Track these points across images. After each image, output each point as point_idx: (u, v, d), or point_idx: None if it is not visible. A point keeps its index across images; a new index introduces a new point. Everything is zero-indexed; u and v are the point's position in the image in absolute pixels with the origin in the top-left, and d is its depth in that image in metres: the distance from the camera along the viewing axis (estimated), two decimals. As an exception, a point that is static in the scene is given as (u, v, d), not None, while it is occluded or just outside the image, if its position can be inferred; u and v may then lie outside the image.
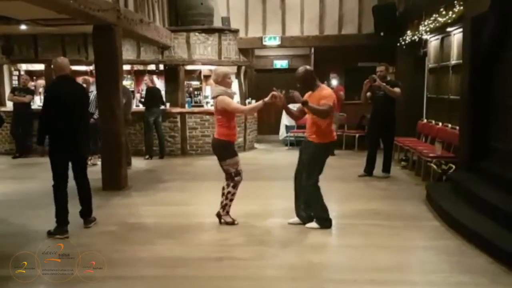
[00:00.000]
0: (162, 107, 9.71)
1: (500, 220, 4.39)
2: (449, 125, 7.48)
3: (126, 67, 10.24)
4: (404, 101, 8.26)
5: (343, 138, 10.28)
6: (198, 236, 4.83)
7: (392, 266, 3.98)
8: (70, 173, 4.87)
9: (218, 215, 5.06)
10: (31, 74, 11.27)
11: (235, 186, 4.95)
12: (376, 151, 7.57)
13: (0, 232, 4.97)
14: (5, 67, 11.23)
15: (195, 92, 11.11)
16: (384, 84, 7.12)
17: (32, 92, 10.15)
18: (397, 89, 7.13)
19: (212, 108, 5.98)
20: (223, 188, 5.01)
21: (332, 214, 4.98)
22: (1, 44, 10.82)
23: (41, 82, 11.39)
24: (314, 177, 4.82)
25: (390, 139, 7.60)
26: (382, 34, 9.79)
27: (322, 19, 10.90)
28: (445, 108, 7.98)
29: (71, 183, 4.89)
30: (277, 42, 10.99)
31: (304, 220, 4.98)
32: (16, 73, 11.42)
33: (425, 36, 8.79)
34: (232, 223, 5.03)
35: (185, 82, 10.55)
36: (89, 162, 6.15)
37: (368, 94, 7.38)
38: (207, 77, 11.04)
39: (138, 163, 8.81)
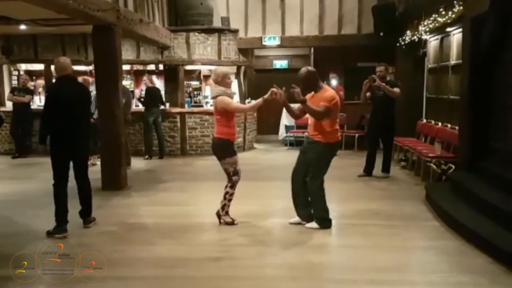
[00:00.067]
0: (162, 107, 9.72)
1: (500, 220, 4.39)
2: (449, 125, 7.48)
3: (126, 67, 10.24)
4: (403, 101, 8.26)
5: (342, 138, 10.23)
6: (198, 236, 4.83)
7: (392, 266, 3.98)
8: (71, 173, 4.86)
9: (218, 215, 5.06)
10: (30, 74, 11.26)
11: (232, 186, 4.95)
12: (375, 151, 7.58)
13: (0, 232, 4.97)
14: (5, 67, 11.24)
15: (195, 92, 11.10)
16: (384, 84, 7.12)
17: (32, 92, 10.15)
18: (396, 89, 7.13)
19: (211, 108, 5.98)
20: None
21: (332, 214, 4.98)
22: (0, 44, 10.83)
23: (41, 82, 11.41)
24: (320, 178, 4.82)
25: (390, 139, 7.60)
26: (381, 34, 9.79)
27: (322, 19, 10.90)
28: (445, 108, 7.98)
29: (71, 182, 4.89)
30: (276, 42, 10.99)
31: (305, 218, 4.98)
32: (16, 73, 11.41)
33: (424, 36, 8.80)
34: (232, 223, 5.03)
35: (185, 82, 10.55)
36: (88, 162, 6.14)
37: (368, 94, 7.37)
38: (206, 77, 11.04)
39: (137, 163, 8.81)
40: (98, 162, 7.17)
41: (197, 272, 3.87)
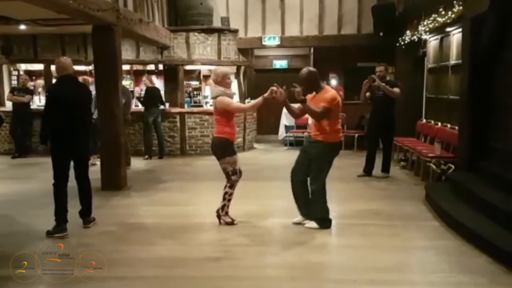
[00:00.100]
0: (162, 107, 9.72)
1: (500, 220, 4.39)
2: (449, 125, 7.48)
3: (126, 67, 10.23)
4: (403, 101, 8.26)
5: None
6: (198, 236, 4.83)
7: (392, 266, 3.98)
8: (71, 173, 4.87)
9: (218, 215, 5.06)
10: (30, 74, 11.25)
11: (231, 186, 4.95)
12: (375, 151, 7.58)
13: (0, 232, 4.97)
14: (5, 67, 11.24)
15: (195, 92, 11.10)
16: (384, 84, 7.13)
17: (32, 92, 10.15)
18: (396, 89, 7.13)
19: (211, 108, 5.98)
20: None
21: (331, 214, 4.98)
22: (0, 44, 10.82)
23: (40, 82, 11.40)
24: (321, 178, 4.82)
25: (390, 139, 7.61)
26: (381, 34, 9.79)
27: (322, 19, 10.90)
28: (444, 108, 7.99)
29: (72, 182, 4.89)
30: (276, 42, 10.99)
31: (307, 216, 4.98)
32: (16, 73, 11.41)
33: (424, 36, 8.80)
34: (232, 223, 5.03)
35: (185, 82, 10.55)
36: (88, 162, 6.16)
37: (368, 94, 7.38)
38: (206, 77, 11.04)
39: (137, 163, 8.80)
40: (98, 162, 7.17)
41: (197, 272, 3.87)
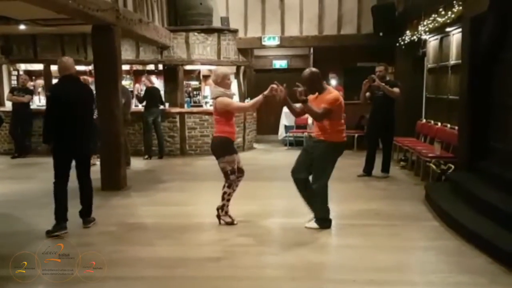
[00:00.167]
0: (161, 107, 9.72)
1: (500, 220, 4.39)
2: (448, 125, 7.48)
3: (125, 67, 10.23)
4: (403, 101, 8.26)
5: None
6: (198, 236, 4.83)
7: (392, 266, 3.98)
8: (72, 173, 4.87)
9: (218, 215, 5.06)
10: (30, 74, 11.25)
11: (230, 186, 4.95)
12: (375, 151, 7.58)
13: (0, 232, 4.97)
14: (4, 67, 11.24)
15: (194, 92, 11.09)
16: (383, 84, 7.13)
17: (31, 92, 10.15)
18: (396, 89, 7.14)
19: (211, 108, 5.98)
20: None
21: (331, 214, 4.98)
22: (0, 44, 10.81)
23: (40, 82, 11.40)
24: (324, 178, 4.80)
25: (389, 139, 7.61)
26: (381, 34, 9.78)
27: (321, 19, 10.89)
28: (444, 108, 7.99)
29: (73, 183, 4.89)
30: (276, 42, 10.98)
31: None
32: (15, 73, 11.42)
33: (424, 36, 8.80)
34: (232, 223, 5.03)
35: (184, 82, 10.55)
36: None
37: (367, 94, 7.38)
38: (206, 77, 11.04)
39: (137, 163, 8.80)
40: (98, 162, 7.17)
41: (196, 272, 3.87)
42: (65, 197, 4.75)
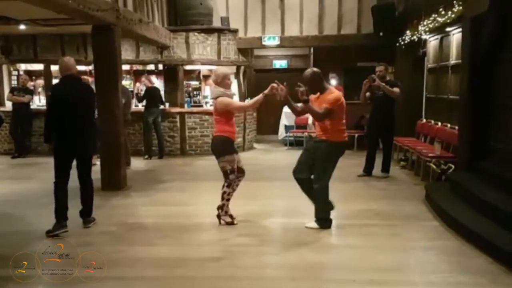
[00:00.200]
0: (162, 107, 9.72)
1: (500, 220, 4.39)
2: (448, 125, 7.48)
3: (125, 67, 10.23)
4: (403, 101, 8.26)
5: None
6: (198, 236, 4.83)
7: (392, 266, 3.98)
8: (73, 172, 4.88)
9: (218, 215, 5.06)
10: (30, 74, 11.24)
11: (229, 185, 4.95)
12: (375, 151, 7.58)
13: (0, 232, 4.97)
14: (4, 67, 11.23)
15: (194, 92, 11.09)
16: (383, 84, 7.13)
17: (31, 92, 10.15)
18: (396, 89, 7.14)
19: (211, 108, 5.98)
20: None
21: (332, 214, 4.97)
22: (0, 44, 10.81)
23: (40, 82, 11.40)
24: (325, 178, 4.80)
25: (390, 139, 7.61)
26: (381, 34, 9.78)
27: (321, 19, 10.89)
28: (444, 108, 7.99)
29: (73, 183, 4.90)
30: (276, 42, 10.98)
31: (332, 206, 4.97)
32: (15, 73, 11.41)
33: (424, 36, 8.80)
34: (232, 223, 5.03)
35: (184, 82, 10.55)
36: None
37: (367, 94, 7.38)
38: (206, 77, 11.04)
39: (137, 163, 8.80)
40: (98, 162, 7.17)
41: (196, 272, 3.87)
42: (66, 196, 4.76)
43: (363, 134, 9.86)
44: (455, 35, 7.53)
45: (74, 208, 4.92)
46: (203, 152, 9.69)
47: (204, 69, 10.94)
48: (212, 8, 10.61)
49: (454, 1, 6.68)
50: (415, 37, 8.76)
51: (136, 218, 5.43)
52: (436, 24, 7.55)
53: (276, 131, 11.91)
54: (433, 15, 7.54)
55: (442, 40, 8.26)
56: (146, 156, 9.45)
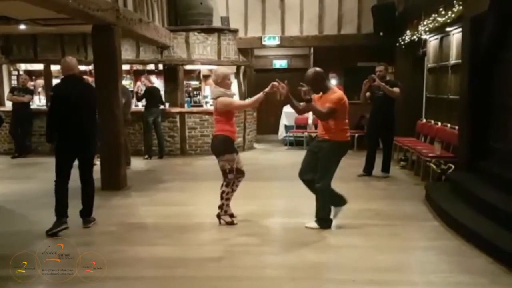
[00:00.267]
0: (162, 107, 9.72)
1: (500, 220, 4.39)
2: (448, 125, 7.48)
3: (125, 67, 10.24)
4: (403, 101, 8.26)
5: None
6: (198, 236, 4.83)
7: (392, 266, 3.98)
8: (73, 172, 4.88)
9: (218, 215, 5.06)
10: (30, 74, 11.25)
11: (228, 185, 4.95)
12: (375, 151, 7.58)
13: (0, 232, 4.97)
14: (4, 67, 11.24)
15: (194, 92, 11.10)
16: (384, 84, 7.13)
17: (31, 92, 10.15)
18: (396, 89, 7.14)
19: (211, 108, 5.98)
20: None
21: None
22: (0, 44, 10.81)
23: (40, 82, 11.41)
24: (328, 178, 4.79)
25: (390, 139, 7.61)
26: (381, 34, 9.78)
27: (322, 19, 10.89)
28: (444, 108, 7.99)
29: (73, 182, 4.90)
30: (276, 42, 10.98)
31: (336, 204, 4.98)
32: (15, 73, 11.41)
33: (424, 36, 8.80)
34: (231, 223, 5.03)
35: (184, 82, 10.55)
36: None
37: (368, 94, 7.37)
38: (206, 77, 11.05)
39: (137, 163, 8.80)
40: (98, 162, 7.17)
41: (196, 272, 3.87)
42: (66, 195, 4.77)
43: (363, 134, 9.85)
44: (455, 35, 7.53)
45: (74, 208, 4.92)
46: (203, 152, 9.69)
47: (204, 69, 10.94)
48: (212, 8, 10.61)
49: (454, 1, 6.68)
50: (415, 37, 8.76)
51: (136, 218, 5.43)
52: (436, 24, 7.55)
53: (276, 131, 11.91)
54: (433, 15, 7.53)
55: (442, 40, 8.26)
56: (146, 156, 9.45)
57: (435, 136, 7.75)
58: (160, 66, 10.67)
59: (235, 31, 10.75)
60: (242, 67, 11.17)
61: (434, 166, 6.64)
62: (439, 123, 7.97)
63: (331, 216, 4.98)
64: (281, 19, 10.97)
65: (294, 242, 4.56)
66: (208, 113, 9.53)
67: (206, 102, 10.71)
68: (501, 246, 3.97)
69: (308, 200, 5.04)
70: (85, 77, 8.78)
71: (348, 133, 4.89)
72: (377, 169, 7.56)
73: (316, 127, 9.46)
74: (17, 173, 8.41)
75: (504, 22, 5.34)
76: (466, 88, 6.14)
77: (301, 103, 4.85)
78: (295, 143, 10.96)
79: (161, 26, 9.34)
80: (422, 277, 3.80)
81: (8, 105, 10.31)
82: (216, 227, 5.01)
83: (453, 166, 6.42)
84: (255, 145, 11.34)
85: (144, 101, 9.52)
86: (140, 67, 10.89)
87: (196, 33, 10.26)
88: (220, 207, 5.01)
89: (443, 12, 7.15)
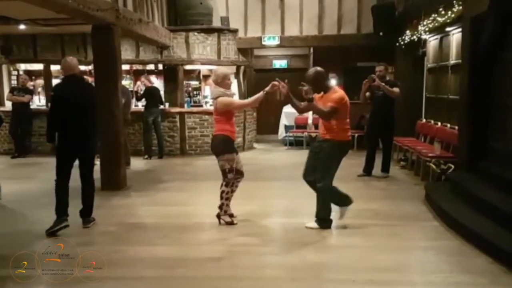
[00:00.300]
0: (161, 107, 9.72)
1: (500, 220, 4.39)
2: (448, 125, 7.48)
3: (125, 67, 10.24)
4: (403, 101, 8.25)
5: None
6: (197, 236, 4.83)
7: (392, 266, 3.98)
8: (74, 172, 4.88)
9: (218, 215, 5.06)
10: (30, 74, 11.26)
11: (227, 185, 4.95)
12: (375, 151, 7.58)
13: (0, 232, 4.97)
14: (4, 67, 11.25)
15: (194, 92, 11.10)
16: (383, 84, 7.13)
17: (31, 92, 10.15)
18: (396, 89, 7.14)
19: (211, 108, 5.98)
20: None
21: (332, 214, 4.97)
22: (0, 44, 10.81)
23: (40, 82, 11.41)
24: (328, 178, 4.79)
25: (389, 139, 7.61)
26: (381, 34, 9.78)
27: (321, 19, 10.89)
28: (444, 108, 7.99)
29: (74, 182, 4.90)
30: (276, 42, 10.98)
31: (342, 204, 4.99)
32: (15, 73, 11.42)
33: (424, 36, 8.80)
34: (231, 223, 5.02)
35: (184, 82, 10.55)
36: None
37: (367, 94, 7.37)
38: (206, 77, 11.05)
39: (137, 163, 8.80)
40: (98, 162, 7.16)
41: (196, 272, 3.87)
42: (66, 194, 4.77)
43: (363, 134, 9.85)
44: (455, 35, 7.53)
45: (75, 207, 4.92)
46: (203, 152, 9.69)
47: (204, 69, 10.95)
48: (212, 8, 10.61)
49: (454, 1, 6.68)
50: (415, 37, 8.76)
51: (136, 218, 5.43)
52: (436, 24, 7.55)
53: (276, 131, 11.91)
54: (433, 15, 7.54)
55: (442, 40, 8.26)
56: (146, 156, 9.45)
57: (435, 136, 7.75)
58: (160, 66, 10.68)
59: (235, 31, 10.75)
60: (242, 67, 11.17)
61: (434, 166, 6.64)
62: (439, 123, 7.97)
63: (338, 217, 4.99)
64: (281, 19, 10.97)
65: (294, 242, 4.56)
66: (208, 113, 9.53)
67: (206, 102, 10.71)
68: (501, 246, 3.97)
69: (308, 200, 5.05)
70: (85, 77, 8.84)
71: (349, 133, 4.90)
72: (377, 169, 7.56)
73: (316, 127, 9.49)
74: (17, 173, 8.41)
75: (504, 22, 5.34)
76: (466, 88, 6.14)
77: (302, 102, 4.85)
78: (295, 143, 10.96)
79: (160, 26, 9.35)
80: (422, 277, 3.80)
81: (8, 105, 10.32)
82: (216, 227, 5.01)
83: (453, 166, 6.42)
84: (255, 145, 11.34)
85: (143, 101, 9.52)
86: (140, 67, 10.90)
87: (196, 33, 10.26)
88: (220, 207, 5.01)
89: (443, 12, 7.15)
